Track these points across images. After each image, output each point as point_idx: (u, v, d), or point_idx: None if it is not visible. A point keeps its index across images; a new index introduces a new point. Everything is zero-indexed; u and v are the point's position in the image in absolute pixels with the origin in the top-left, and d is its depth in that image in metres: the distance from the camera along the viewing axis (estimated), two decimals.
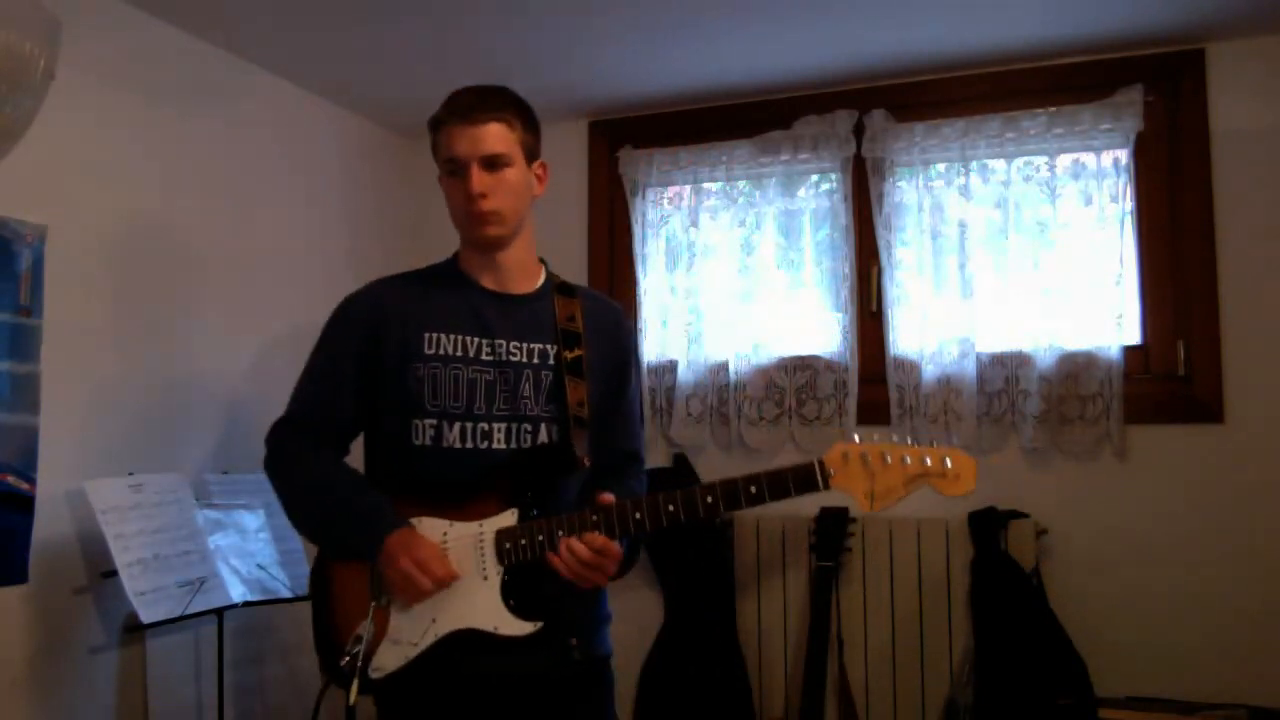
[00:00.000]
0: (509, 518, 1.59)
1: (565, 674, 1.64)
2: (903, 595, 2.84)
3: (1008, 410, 2.85)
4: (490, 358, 1.67)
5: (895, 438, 1.48)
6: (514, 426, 1.66)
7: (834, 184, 3.06)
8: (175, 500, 2.31)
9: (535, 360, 1.69)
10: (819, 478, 1.49)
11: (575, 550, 1.52)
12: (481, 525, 1.59)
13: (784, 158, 3.07)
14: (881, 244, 2.97)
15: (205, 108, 2.66)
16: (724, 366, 3.10)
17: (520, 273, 1.74)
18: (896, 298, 2.94)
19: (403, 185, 3.51)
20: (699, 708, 2.91)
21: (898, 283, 2.94)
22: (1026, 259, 2.85)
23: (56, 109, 2.03)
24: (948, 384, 2.87)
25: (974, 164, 2.90)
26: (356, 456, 1.78)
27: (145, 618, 2.08)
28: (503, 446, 1.65)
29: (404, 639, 1.57)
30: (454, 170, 1.65)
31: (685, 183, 3.22)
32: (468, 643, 1.55)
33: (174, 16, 2.51)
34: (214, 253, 2.69)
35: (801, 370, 3.06)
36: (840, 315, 3.02)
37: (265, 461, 1.74)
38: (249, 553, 2.42)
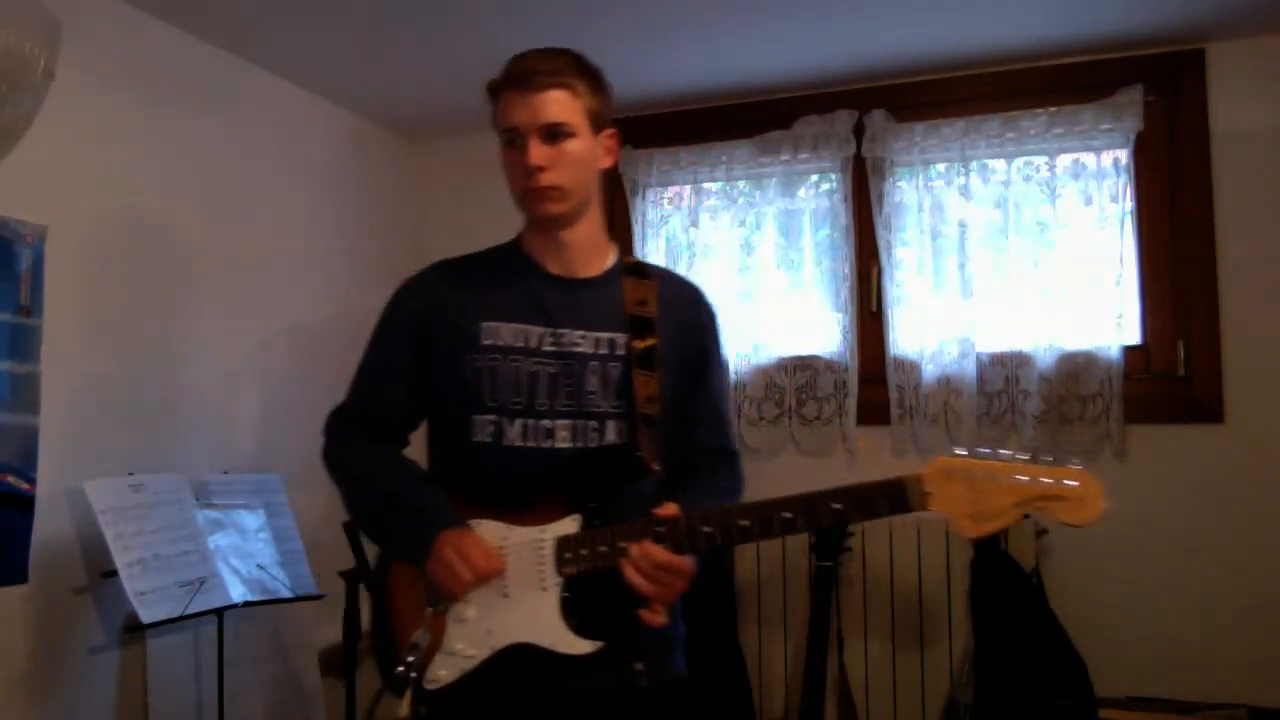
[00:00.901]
0: (571, 524, 1.45)
1: (631, 699, 1.48)
2: (903, 595, 2.84)
3: (1008, 410, 2.85)
4: (553, 348, 1.52)
5: (1006, 453, 1.30)
6: (579, 424, 1.51)
7: (834, 184, 3.06)
8: (175, 500, 2.30)
9: (602, 350, 1.53)
10: (911, 498, 1.29)
11: (651, 559, 1.37)
12: (543, 531, 1.45)
13: (784, 158, 3.07)
14: (881, 244, 2.97)
15: (205, 108, 2.66)
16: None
17: (587, 254, 1.59)
18: (896, 298, 2.94)
19: (403, 185, 3.51)
20: (699, 708, 2.91)
21: (898, 283, 2.94)
22: (1026, 259, 2.85)
23: (56, 109, 2.03)
24: (948, 384, 2.87)
25: (974, 164, 2.90)
26: (419, 450, 1.68)
27: (145, 618, 2.08)
28: (567, 445, 1.50)
29: (460, 650, 1.45)
30: (512, 140, 1.51)
31: (685, 183, 3.22)
32: (525, 659, 1.42)
33: (174, 16, 2.51)
34: (214, 252, 2.69)
35: (801, 370, 3.06)
36: (840, 315, 3.02)
37: (322, 453, 1.63)
38: (249, 553, 2.42)
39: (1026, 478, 1.26)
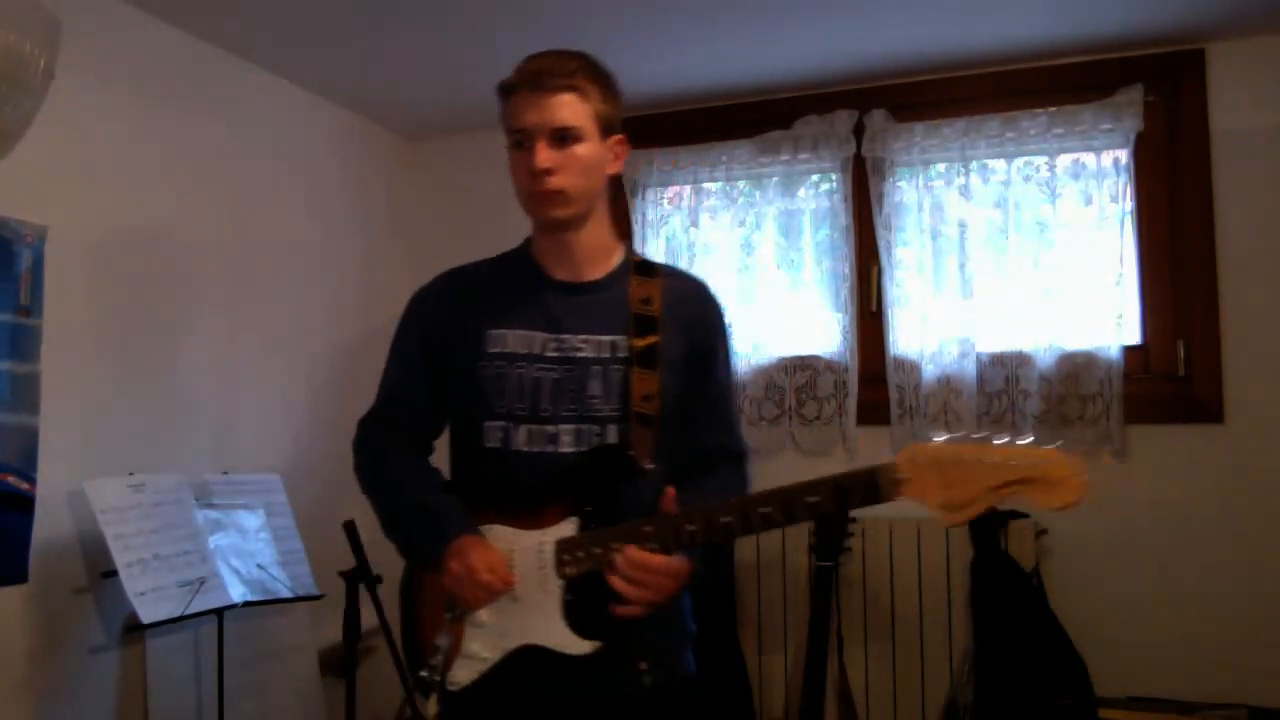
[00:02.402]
0: (569, 527, 1.47)
1: (638, 699, 1.50)
2: (903, 595, 2.84)
3: (1008, 410, 2.85)
4: (556, 354, 1.53)
5: (975, 436, 1.29)
6: (582, 429, 1.52)
7: (834, 184, 3.06)
8: (175, 500, 2.30)
9: (604, 354, 1.53)
10: (883, 486, 1.28)
11: (631, 561, 1.38)
12: (544, 535, 1.48)
13: (784, 158, 3.07)
14: (881, 244, 2.97)
15: (205, 108, 2.66)
16: None
17: (594, 256, 1.59)
18: (896, 298, 2.94)
19: (403, 185, 3.51)
20: (699, 708, 2.91)
21: (898, 283, 2.94)
22: (1026, 259, 2.85)
23: (56, 109, 2.04)
24: (948, 384, 2.87)
25: (974, 164, 2.90)
26: (442, 456, 1.71)
27: (145, 618, 2.08)
28: (571, 450, 1.51)
29: (476, 653, 1.49)
30: (520, 142, 1.50)
31: (685, 183, 3.22)
32: (533, 660, 1.46)
33: (174, 16, 2.51)
34: (213, 252, 2.69)
35: (801, 370, 3.06)
36: (840, 315, 3.02)
37: (353, 467, 1.66)
38: (249, 553, 2.42)
39: (998, 460, 1.23)
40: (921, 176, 2.96)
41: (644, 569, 1.38)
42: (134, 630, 2.24)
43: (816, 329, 3.07)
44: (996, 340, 2.87)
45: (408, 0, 2.43)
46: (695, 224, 3.18)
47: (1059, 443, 1.26)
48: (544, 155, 1.47)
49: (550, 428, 1.52)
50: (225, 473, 2.55)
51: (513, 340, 1.55)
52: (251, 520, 2.48)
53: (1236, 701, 2.56)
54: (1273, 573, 2.61)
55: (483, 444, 1.55)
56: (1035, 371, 2.78)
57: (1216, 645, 2.64)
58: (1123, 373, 2.72)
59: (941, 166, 2.95)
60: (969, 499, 1.25)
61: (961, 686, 2.74)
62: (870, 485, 1.30)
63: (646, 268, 1.63)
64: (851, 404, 2.98)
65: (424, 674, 1.46)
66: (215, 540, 2.36)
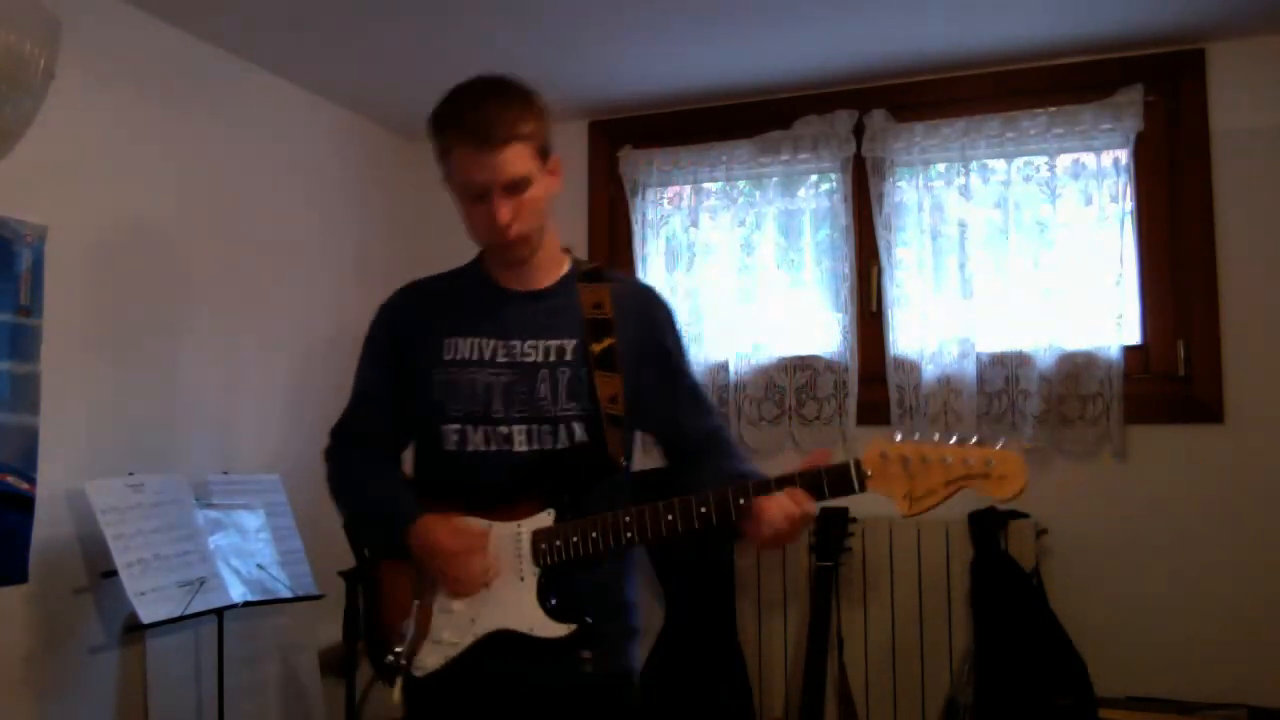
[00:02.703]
0: (546, 518, 1.55)
1: (578, 687, 1.57)
2: (903, 595, 2.84)
3: (1008, 410, 2.85)
4: (505, 359, 1.61)
5: (938, 436, 1.40)
6: (534, 428, 1.59)
7: (834, 184, 3.06)
8: (175, 500, 2.30)
9: (552, 358, 1.61)
10: (855, 479, 1.41)
11: (806, 509, 1.44)
12: (520, 526, 1.55)
13: (784, 158, 3.07)
14: (881, 244, 2.97)
15: (205, 108, 2.66)
16: (724, 366, 3.10)
17: (543, 267, 1.67)
18: (896, 298, 2.94)
19: (404, 185, 3.51)
20: (699, 708, 2.91)
21: (898, 283, 2.94)
22: (1026, 259, 2.85)
23: (56, 109, 2.04)
24: (948, 384, 2.87)
25: (974, 164, 2.90)
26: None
27: (145, 618, 2.08)
28: (524, 449, 1.59)
29: (445, 639, 1.56)
30: (471, 195, 1.55)
31: (685, 183, 3.22)
32: (504, 644, 1.53)
33: (174, 16, 2.51)
34: (214, 252, 2.69)
35: (801, 370, 3.06)
36: (840, 315, 3.02)
37: (325, 473, 1.74)
38: (249, 553, 2.42)
39: (953, 459, 1.37)
40: (921, 176, 2.96)
41: (806, 519, 1.46)
42: (134, 630, 2.24)
43: (816, 329, 3.07)
44: (996, 340, 2.87)
45: (408, 0, 2.43)
46: (695, 224, 3.18)
47: (1003, 441, 1.37)
48: (504, 211, 1.52)
49: (504, 429, 1.60)
50: (225, 473, 2.55)
51: (466, 348, 1.63)
52: (251, 520, 2.48)
53: (1236, 701, 2.56)
54: (1273, 573, 2.61)
55: (442, 447, 1.63)
56: (1035, 371, 2.78)
57: (1216, 645, 2.64)
58: (1123, 373, 2.72)
59: (941, 166, 2.95)
60: (927, 491, 1.38)
61: (961, 686, 2.74)
62: (842, 478, 1.42)
63: (594, 274, 1.71)
64: (851, 404, 2.98)
65: (390, 660, 1.54)
66: (215, 540, 2.36)
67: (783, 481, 1.45)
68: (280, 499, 2.57)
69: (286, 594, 2.41)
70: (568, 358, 1.61)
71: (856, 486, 1.41)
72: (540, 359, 1.62)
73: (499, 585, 1.55)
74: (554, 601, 1.52)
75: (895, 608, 2.84)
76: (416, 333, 1.67)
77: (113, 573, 2.10)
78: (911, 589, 2.83)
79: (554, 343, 1.62)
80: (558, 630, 1.51)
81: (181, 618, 2.16)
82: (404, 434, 1.74)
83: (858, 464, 1.41)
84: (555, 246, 1.70)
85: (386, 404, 1.70)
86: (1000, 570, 2.71)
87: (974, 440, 1.38)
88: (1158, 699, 2.61)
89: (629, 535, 1.49)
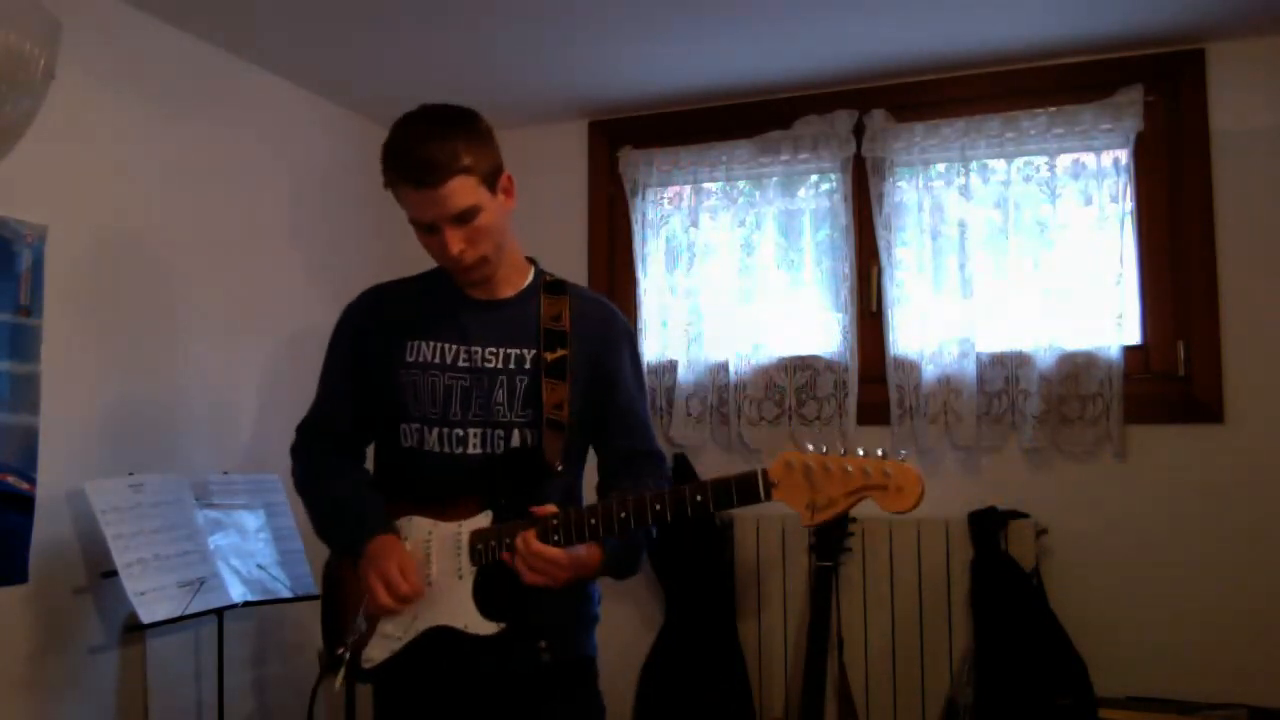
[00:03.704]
0: (484, 519, 1.62)
1: (536, 675, 1.65)
2: (903, 595, 2.84)
3: (1008, 410, 2.85)
4: (466, 364, 1.67)
5: (843, 448, 1.41)
6: (487, 432, 1.66)
7: (834, 184, 3.06)
8: (175, 500, 2.31)
9: (511, 366, 1.67)
10: (760, 488, 1.45)
11: (527, 546, 1.52)
12: (460, 526, 1.62)
13: (784, 158, 3.07)
14: (881, 244, 2.96)
15: (205, 108, 2.66)
16: (724, 366, 3.10)
17: (506, 277, 1.72)
18: (896, 298, 2.94)
19: None
20: (699, 708, 2.91)
21: (898, 283, 2.94)
22: (1026, 259, 2.85)
23: (56, 109, 2.04)
24: (948, 384, 2.87)
25: (974, 164, 2.90)
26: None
27: (145, 618, 2.08)
28: (477, 452, 1.66)
29: (390, 633, 1.63)
30: (423, 229, 1.60)
31: (685, 183, 3.22)
32: (443, 639, 1.60)
33: (174, 16, 2.51)
34: (214, 252, 2.69)
35: (801, 370, 3.06)
36: (840, 315, 3.02)
37: (291, 472, 1.82)
38: (249, 553, 2.42)
39: (853, 469, 1.39)
40: (921, 176, 2.96)
41: (538, 556, 1.51)
42: (134, 630, 2.25)
43: (816, 329, 3.07)
44: (996, 340, 2.87)
45: (409, 1, 2.43)
46: (695, 224, 3.18)
47: (905, 453, 1.40)
48: (454, 242, 1.57)
49: (459, 431, 1.66)
50: (225, 473, 2.55)
51: (428, 351, 1.69)
52: (251, 520, 2.48)
53: (1236, 701, 2.56)
54: (1273, 573, 2.61)
55: (400, 444, 1.69)
56: (1035, 371, 2.78)
57: (1216, 645, 2.64)
58: (1123, 373, 2.72)
59: (941, 166, 2.95)
60: (828, 502, 1.41)
61: (961, 686, 2.74)
62: (749, 488, 1.46)
63: (556, 287, 1.75)
64: (851, 404, 2.98)
65: (339, 652, 1.64)
66: (215, 540, 2.36)
67: (695, 489, 1.48)
68: (280, 499, 2.57)
69: (286, 594, 2.41)
70: (526, 366, 1.67)
71: (762, 495, 1.45)
72: (499, 365, 1.67)
73: (439, 583, 1.62)
74: (484, 601, 1.58)
75: (895, 608, 2.84)
76: (380, 333, 1.71)
77: (113, 573, 2.10)
78: (911, 589, 2.83)
79: (514, 350, 1.68)
80: (488, 628, 1.57)
81: (181, 618, 2.16)
82: (367, 431, 1.79)
83: (764, 473, 1.45)
84: (517, 257, 1.75)
85: (349, 403, 1.75)
86: (1000, 570, 2.71)
87: (879, 452, 1.39)
88: (1158, 699, 2.61)
89: (555, 538, 1.53)
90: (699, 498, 1.48)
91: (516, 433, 1.66)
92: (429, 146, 1.53)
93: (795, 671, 2.92)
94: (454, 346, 1.68)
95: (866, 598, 2.86)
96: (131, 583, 2.09)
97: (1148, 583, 2.71)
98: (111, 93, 2.37)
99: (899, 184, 2.97)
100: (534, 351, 1.68)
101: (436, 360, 1.68)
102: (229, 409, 2.73)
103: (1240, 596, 2.63)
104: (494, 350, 1.68)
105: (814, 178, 3.14)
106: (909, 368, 2.92)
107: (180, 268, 2.59)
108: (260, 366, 2.85)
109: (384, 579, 1.56)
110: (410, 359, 1.68)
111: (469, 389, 1.66)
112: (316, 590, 2.49)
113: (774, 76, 2.99)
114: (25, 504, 2.10)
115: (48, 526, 2.15)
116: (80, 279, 2.27)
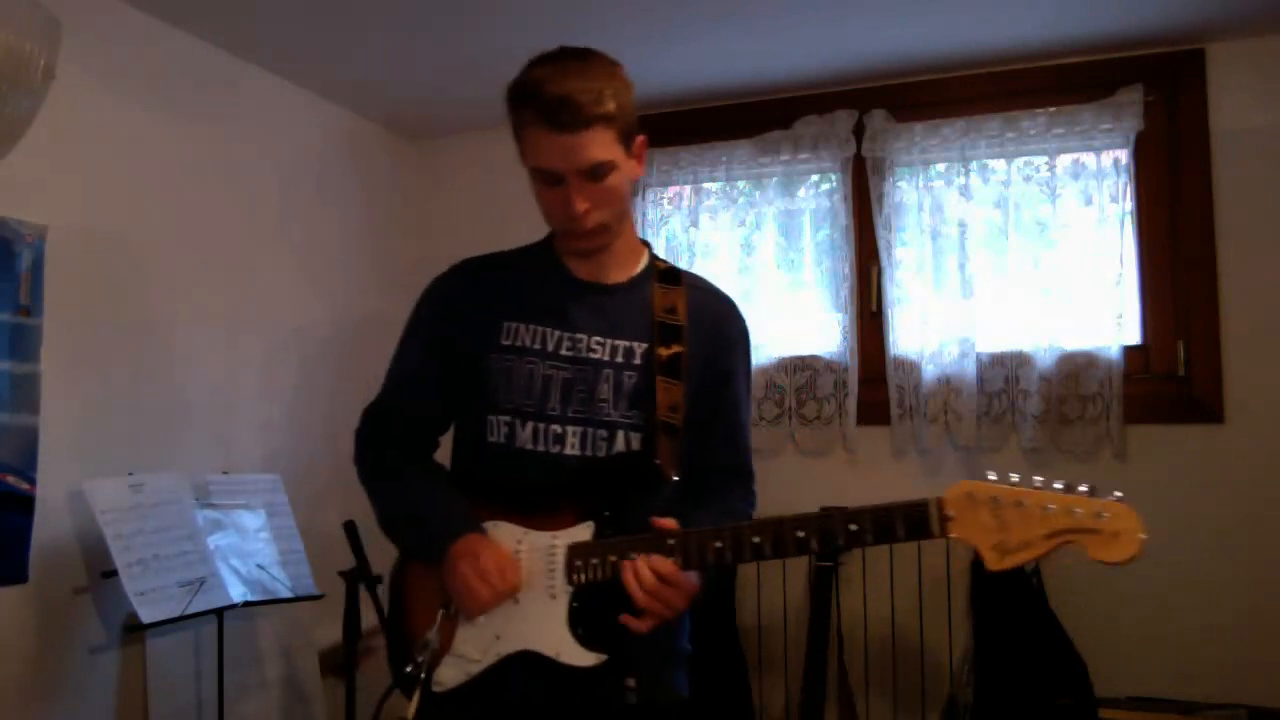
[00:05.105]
0: (584, 532, 1.42)
1: (621, 716, 1.42)
2: (903, 595, 2.84)
3: (1008, 410, 2.85)
4: (569, 353, 1.49)
5: (1039, 479, 1.18)
6: (588, 431, 1.47)
7: (834, 184, 3.06)
8: (175, 500, 2.30)
9: (619, 359, 1.49)
10: (934, 523, 1.22)
11: (651, 570, 1.32)
12: (555, 537, 1.42)
13: (784, 158, 3.07)
14: (881, 244, 2.96)
15: (205, 107, 2.66)
16: None
17: (619, 259, 1.54)
18: (896, 298, 2.94)
19: (403, 185, 3.51)
20: (699, 708, 2.90)
21: (898, 283, 2.94)
22: (1026, 259, 2.85)
23: (56, 109, 2.03)
24: (948, 384, 2.87)
25: (974, 164, 2.90)
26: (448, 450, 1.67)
27: (145, 618, 2.08)
28: (575, 452, 1.47)
29: (467, 654, 1.42)
30: (547, 179, 1.42)
31: (685, 183, 3.22)
32: (528, 666, 1.39)
33: (174, 16, 2.51)
34: (214, 252, 2.69)
35: (801, 370, 3.06)
36: (840, 315, 3.02)
37: (354, 457, 1.62)
38: (249, 553, 2.42)
39: (1056, 507, 1.16)
40: (921, 176, 2.96)
41: (667, 581, 1.32)
42: (134, 630, 2.24)
43: (816, 329, 3.07)
44: (996, 340, 2.87)
45: (408, 0, 2.43)
46: (695, 224, 3.18)
47: (1116, 494, 1.15)
48: (581, 197, 1.40)
49: (557, 428, 1.48)
50: (225, 473, 2.55)
51: (526, 335, 1.50)
52: (251, 520, 2.48)
53: (1236, 701, 2.56)
54: (1273, 573, 2.61)
55: (486, 438, 1.51)
56: (1035, 371, 2.78)
57: (1216, 645, 2.64)
58: (1123, 373, 2.72)
59: (941, 166, 2.95)
60: (1022, 544, 1.19)
61: (961, 686, 2.74)
62: (918, 520, 1.24)
63: (671, 276, 1.58)
64: (851, 404, 2.98)
65: (409, 670, 1.39)
66: (215, 540, 2.36)
67: (847, 517, 1.27)
68: (280, 499, 2.57)
69: (286, 594, 2.41)
70: (635, 361, 1.49)
71: (935, 530, 1.22)
72: (606, 358, 1.49)
73: (528, 601, 1.41)
74: (583, 628, 1.38)
75: (895, 608, 2.84)
76: (471, 311, 1.53)
77: (113, 573, 2.10)
78: (911, 589, 2.83)
79: (622, 343, 1.50)
80: (585, 659, 1.36)
81: (181, 618, 2.16)
82: (445, 421, 1.61)
83: (939, 504, 1.22)
84: (633, 236, 1.59)
85: (430, 388, 1.56)
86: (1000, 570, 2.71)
87: (1082, 488, 1.16)
88: (1158, 699, 2.60)
89: (676, 560, 1.34)
90: (853, 527, 1.26)
91: (621, 435, 1.47)
92: (573, 84, 1.35)
93: (795, 671, 2.92)
94: (556, 333, 1.49)
95: (866, 598, 2.86)
96: (131, 582, 2.09)
97: (1148, 583, 2.71)
98: (111, 93, 2.37)
99: (899, 184, 2.97)
100: (645, 345, 1.49)
101: (536, 346, 1.49)
102: (229, 409, 2.73)
103: (1240, 596, 2.63)
104: (600, 340, 1.49)
105: (814, 178, 3.13)
106: (909, 368, 2.92)
107: (180, 267, 2.59)
108: (260, 366, 2.84)
109: (481, 575, 1.37)
110: (506, 342, 1.49)
111: (571, 380, 1.47)
112: (316, 590, 2.50)
113: (774, 76, 2.99)
114: (25, 504, 2.10)
115: (48, 526, 2.15)
116: (80, 279, 2.27)
